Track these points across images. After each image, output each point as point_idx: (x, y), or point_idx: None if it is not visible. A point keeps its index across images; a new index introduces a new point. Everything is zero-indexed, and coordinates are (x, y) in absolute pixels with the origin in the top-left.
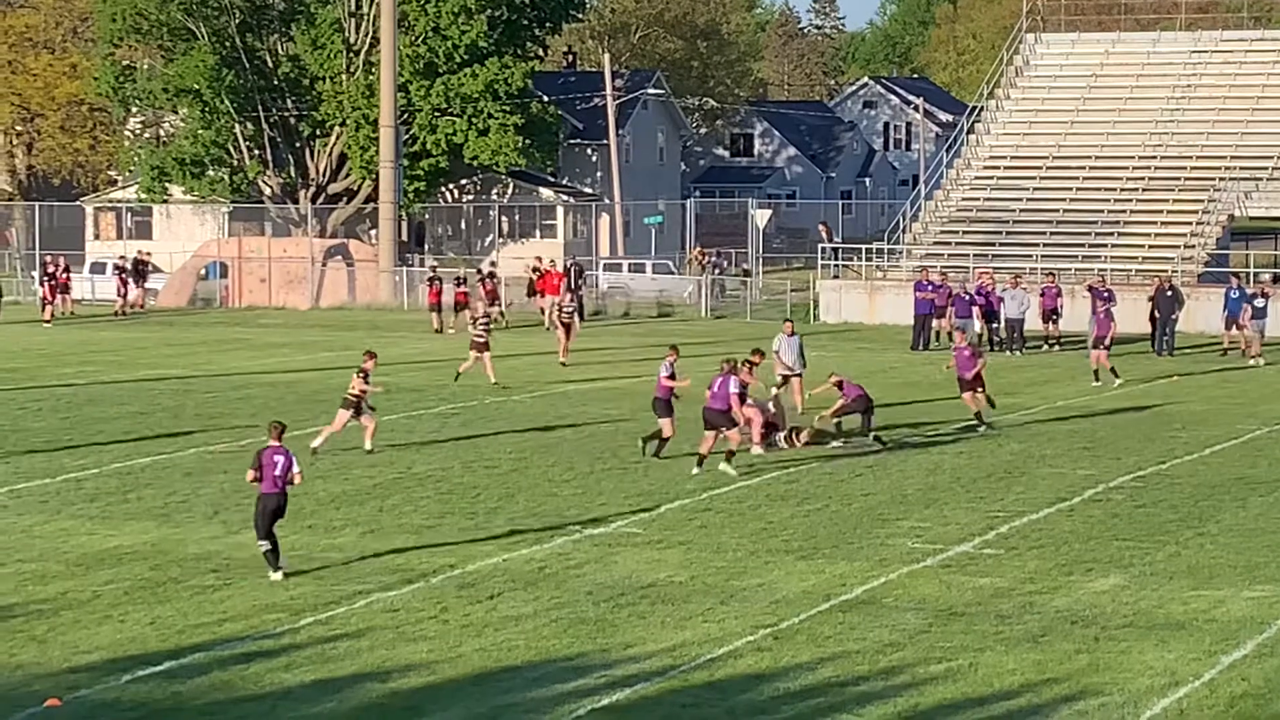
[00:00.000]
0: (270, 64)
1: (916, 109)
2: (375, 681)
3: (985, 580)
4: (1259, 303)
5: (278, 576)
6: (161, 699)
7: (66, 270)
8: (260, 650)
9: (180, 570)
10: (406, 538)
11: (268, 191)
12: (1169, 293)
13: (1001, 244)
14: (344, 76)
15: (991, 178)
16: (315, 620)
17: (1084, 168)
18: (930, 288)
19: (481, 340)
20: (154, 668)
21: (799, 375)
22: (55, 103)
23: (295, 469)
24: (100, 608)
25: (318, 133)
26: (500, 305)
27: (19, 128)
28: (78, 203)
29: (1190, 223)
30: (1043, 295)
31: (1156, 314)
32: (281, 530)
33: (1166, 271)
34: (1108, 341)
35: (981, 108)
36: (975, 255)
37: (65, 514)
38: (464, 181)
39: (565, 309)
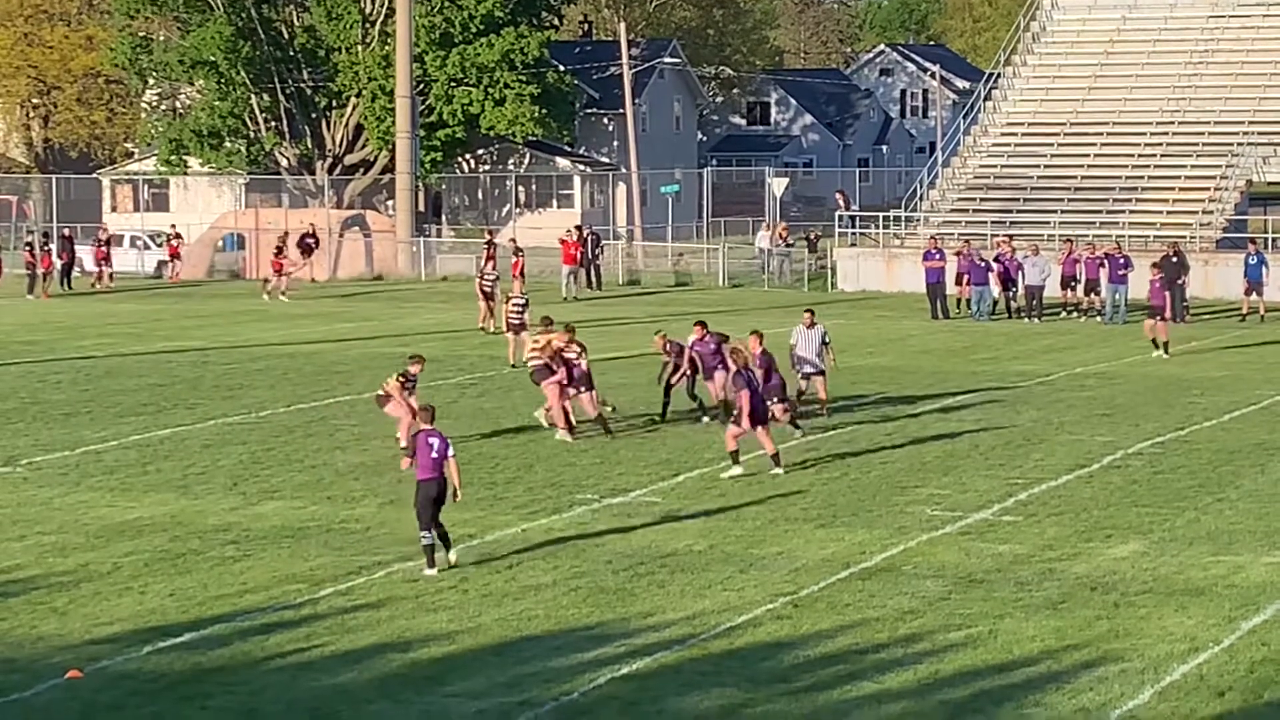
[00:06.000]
0: (286, 35)
1: (933, 76)
2: (395, 652)
3: (1005, 547)
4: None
5: (432, 573)
6: (182, 670)
7: (107, 242)
8: (280, 621)
9: (200, 542)
10: None
11: (284, 163)
12: (1174, 259)
13: (1019, 210)
14: (360, 47)
15: (1008, 144)
16: (335, 591)
17: (1101, 133)
18: (939, 256)
19: (517, 321)
20: (174, 639)
21: (820, 373)
22: (72, 75)
23: (450, 452)
24: (120, 579)
25: (334, 104)
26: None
27: (36, 100)
28: (95, 175)
29: (1208, 188)
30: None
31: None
32: (299, 500)
33: (1184, 237)
34: (1167, 312)
35: (998, 74)
36: (993, 222)
37: (85, 486)
38: (481, 152)
39: (487, 277)
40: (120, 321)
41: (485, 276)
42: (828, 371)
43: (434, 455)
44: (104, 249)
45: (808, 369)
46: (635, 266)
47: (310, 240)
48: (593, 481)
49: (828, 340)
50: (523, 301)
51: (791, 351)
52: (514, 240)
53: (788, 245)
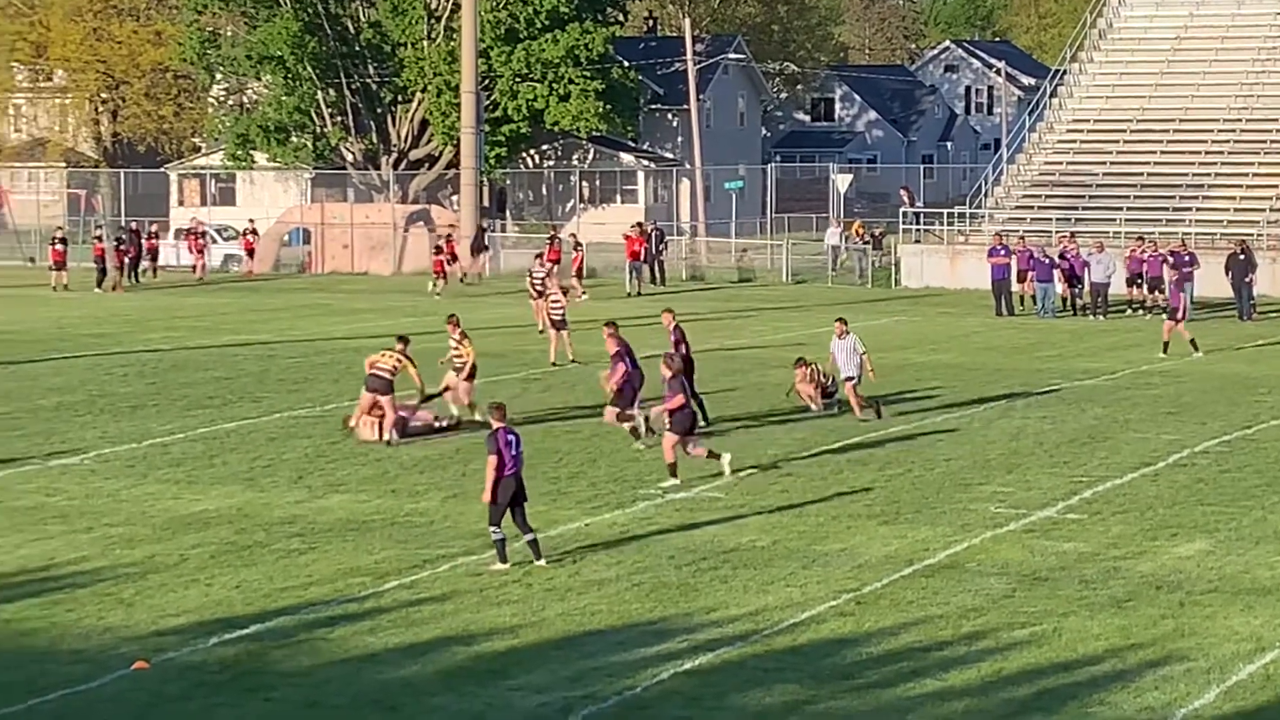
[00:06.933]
0: (352, 30)
1: (998, 73)
2: (459, 645)
3: (1069, 545)
4: None
5: (503, 568)
6: (247, 662)
7: (154, 235)
8: (345, 614)
9: (265, 534)
10: None
11: (350, 158)
12: (1241, 256)
13: (1084, 208)
14: (425, 42)
15: (1074, 142)
16: (399, 584)
17: (1167, 130)
18: (1004, 252)
19: (558, 317)
20: (240, 631)
21: (850, 379)
22: (140, 70)
23: (521, 448)
24: (187, 571)
25: (399, 99)
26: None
27: (104, 95)
28: (162, 169)
29: (1276, 185)
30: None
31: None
32: (364, 493)
33: (1251, 234)
34: (1180, 314)
35: (1064, 71)
36: (1058, 220)
37: (151, 478)
38: (545, 147)
39: (536, 275)
40: (186, 315)
41: (534, 274)
42: (859, 379)
43: (514, 453)
44: (201, 240)
45: (843, 376)
46: (698, 262)
47: (482, 241)
48: (656, 477)
49: (861, 349)
50: (562, 298)
51: (831, 360)
52: (574, 235)
53: (864, 242)
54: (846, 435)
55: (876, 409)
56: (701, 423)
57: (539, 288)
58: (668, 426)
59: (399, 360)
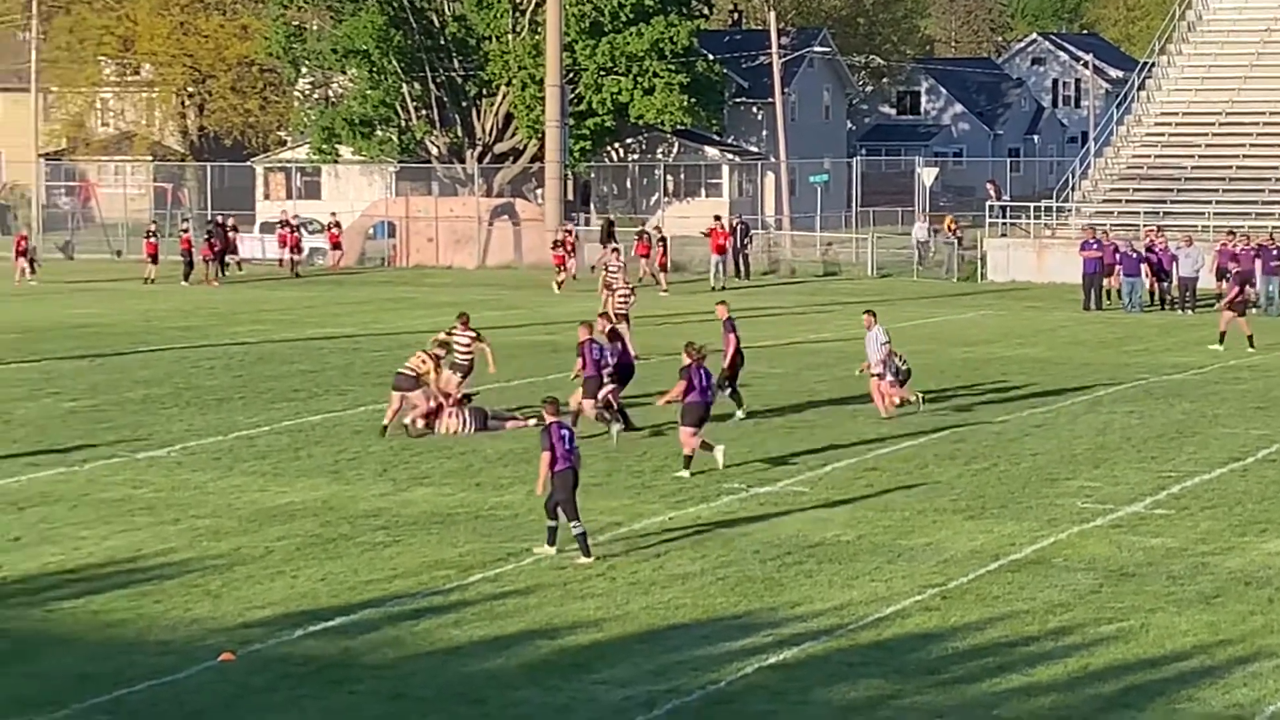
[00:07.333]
0: (437, 24)
1: (1086, 65)
2: (543, 638)
3: (1157, 540)
4: None
5: (550, 550)
6: (333, 654)
7: (234, 229)
8: (430, 607)
9: (350, 527)
10: None
11: (435, 151)
12: None
13: (1173, 202)
14: (510, 36)
15: (1162, 134)
16: (484, 577)
17: (1257, 123)
18: (1097, 246)
19: (623, 311)
20: (326, 623)
21: (877, 375)
22: (226, 64)
23: (576, 441)
24: (273, 563)
25: (484, 92)
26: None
27: (191, 89)
28: (248, 163)
29: None
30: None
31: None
32: (448, 486)
33: None
34: (1231, 302)
35: (1152, 63)
36: (1146, 213)
37: (238, 471)
38: (629, 140)
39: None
40: (272, 308)
41: (610, 270)
42: (885, 374)
43: (567, 446)
44: (297, 234)
45: (872, 371)
46: (783, 256)
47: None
48: (740, 471)
49: (883, 340)
50: (629, 291)
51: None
52: (658, 228)
53: (958, 237)
54: (932, 429)
55: (919, 400)
56: (739, 414)
57: (612, 280)
58: (679, 420)
59: (425, 359)
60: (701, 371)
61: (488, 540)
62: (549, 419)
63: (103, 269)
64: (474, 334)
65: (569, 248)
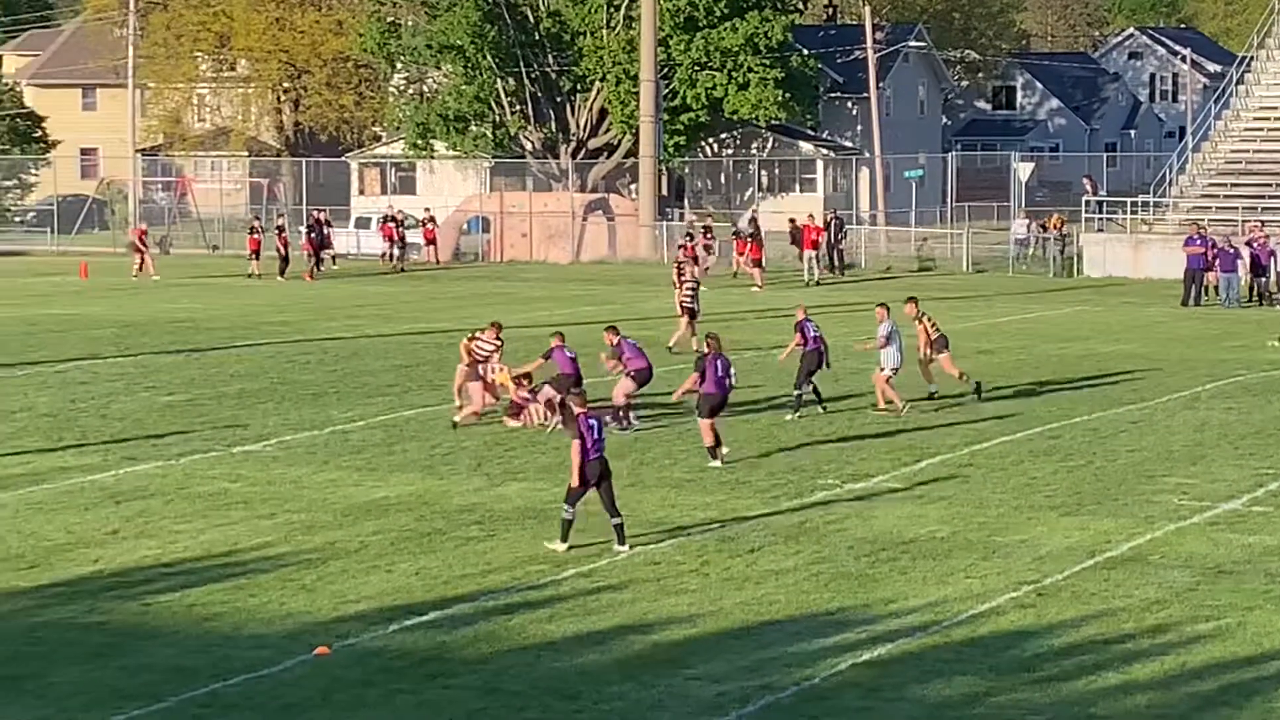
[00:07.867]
0: (532, 20)
1: (1183, 59)
2: (637, 634)
3: (1254, 538)
4: None
5: (561, 548)
6: (428, 648)
7: (328, 224)
8: (524, 602)
9: (445, 522)
10: (667, 491)
11: (529, 147)
12: None
13: (1271, 197)
14: (604, 31)
15: (1261, 129)
16: (577, 573)
17: None
18: (1200, 242)
19: (690, 304)
20: (420, 618)
21: (891, 370)
22: (321, 59)
23: (603, 433)
24: (367, 558)
25: (578, 88)
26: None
27: (286, 85)
28: (343, 158)
29: None
30: None
31: None
32: (542, 482)
33: None
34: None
35: (1251, 57)
36: (1244, 208)
37: (332, 465)
38: (724, 136)
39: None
40: (367, 304)
41: (679, 263)
42: (884, 367)
43: (596, 436)
44: (402, 230)
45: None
46: (878, 251)
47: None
48: (834, 467)
49: (889, 333)
50: (695, 285)
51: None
52: (754, 222)
53: (1062, 234)
54: (1027, 425)
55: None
56: (819, 409)
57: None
58: (695, 411)
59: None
60: (718, 362)
61: (581, 535)
62: (577, 410)
63: (200, 265)
64: (499, 343)
65: (703, 246)
